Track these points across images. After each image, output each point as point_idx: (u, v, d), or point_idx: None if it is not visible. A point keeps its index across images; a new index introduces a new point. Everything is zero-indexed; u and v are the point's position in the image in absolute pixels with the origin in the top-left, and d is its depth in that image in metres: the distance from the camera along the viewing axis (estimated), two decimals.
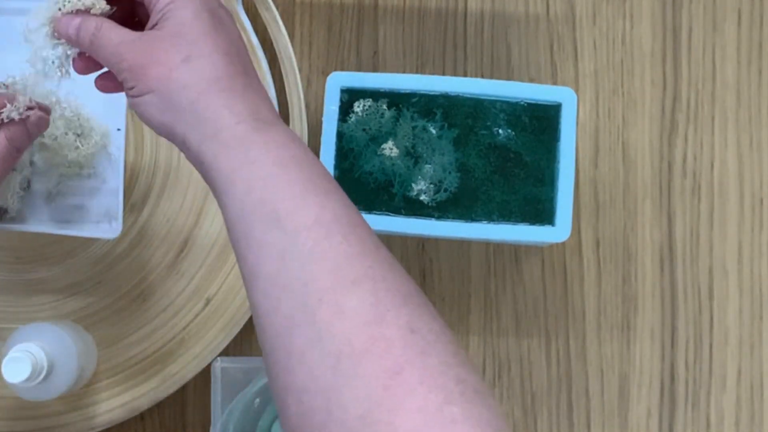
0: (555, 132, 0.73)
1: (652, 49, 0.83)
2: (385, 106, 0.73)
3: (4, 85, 0.77)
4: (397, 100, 0.73)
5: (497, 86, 0.73)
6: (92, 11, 0.61)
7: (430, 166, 0.72)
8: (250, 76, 0.59)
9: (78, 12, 0.61)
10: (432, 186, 0.72)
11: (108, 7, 0.62)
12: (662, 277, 0.81)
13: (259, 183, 0.54)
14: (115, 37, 0.60)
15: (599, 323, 0.81)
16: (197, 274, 0.79)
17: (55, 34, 0.63)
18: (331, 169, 0.72)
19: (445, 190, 0.72)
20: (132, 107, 0.60)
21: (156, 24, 0.59)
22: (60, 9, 0.61)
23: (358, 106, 0.73)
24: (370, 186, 0.73)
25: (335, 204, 0.54)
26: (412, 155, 0.73)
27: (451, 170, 0.72)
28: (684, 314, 0.81)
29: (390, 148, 0.72)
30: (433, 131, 0.73)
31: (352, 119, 0.73)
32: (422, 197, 0.72)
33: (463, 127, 0.73)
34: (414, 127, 0.73)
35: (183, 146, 0.58)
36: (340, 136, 0.73)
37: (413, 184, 0.72)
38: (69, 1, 0.61)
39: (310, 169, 0.55)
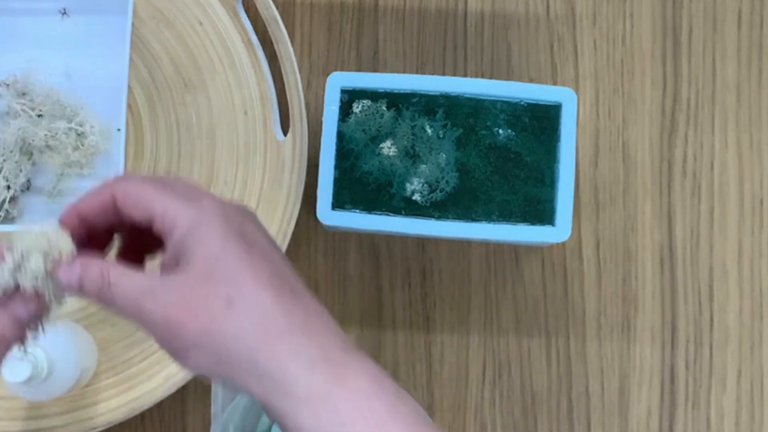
0: (555, 132, 0.73)
1: (652, 49, 0.83)
2: (384, 107, 0.73)
3: (5, 84, 0.78)
4: (396, 100, 0.73)
5: (497, 86, 0.73)
6: (52, 256, 0.49)
7: (425, 166, 0.72)
8: (302, 298, 0.51)
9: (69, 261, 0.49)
10: (426, 186, 0.72)
11: (70, 249, 0.50)
12: (662, 277, 0.81)
13: None
14: (131, 287, 0.49)
15: (599, 323, 0.81)
16: None
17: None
18: (331, 169, 0.72)
19: (441, 191, 0.72)
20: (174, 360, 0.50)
21: (177, 261, 0.50)
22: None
23: (357, 107, 0.73)
24: (370, 186, 0.73)
25: None
26: (411, 155, 0.73)
27: (448, 170, 0.72)
28: (684, 314, 0.81)
29: (388, 148, 0.72)
30: (432, 131, 0.73)
31: (352, 119, 0.73)
32: (416, 197, 0.72)
33: (463, 127, 0.73)
34: (413, 127, 0.73)
35: (249, 395, 0.50)
36: (340, 136, 0.73)
37: (407, 184, 0.72)
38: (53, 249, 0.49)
39: (407, 416, 0.48)
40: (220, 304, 0.48)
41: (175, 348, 0.49)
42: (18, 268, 0.49)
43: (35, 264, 0.49)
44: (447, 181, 0.72)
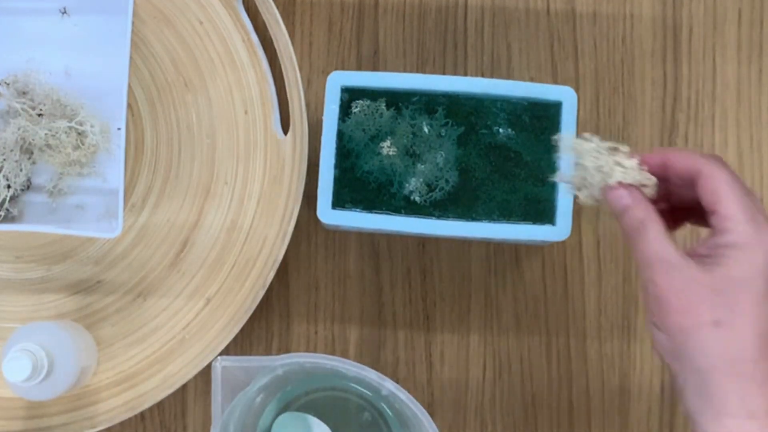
0: (555, 131, 0.73)
1: (652, 49, 0.83)
2: (383, 106, 0.73)
3: (5, 83, 0.78)
4: (396, 99, 0.73)
5: (497, 85, 0.73)
6: (644, 190, 0.57)
7: (423, 165, 0.72)
8: None
9: (630, 186, 0.57)
10: (425, 186, 0.72)
11: (654, 190, 0.58)
12: None
13: None
14: (654, 249, 0.55)
15: (599, 323, 0.81)
16: (197, 273, 0.79)
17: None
18: (331, 168, 0.72)
19: (440, 190, 0.72)
20: (646, 325, 0.57)
21: (708, 255, 0.55)
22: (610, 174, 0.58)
23: (356, 107, 0.73)
24: (370, 185, 0.73)
25: None
26: (410, 154, 0.73)
27: (447, 169, 0.72)
28: None
29: (388, 147, 0.72)
30: (432, 130, 0.73)
31: (351, 119, 0.73)
32: (414, 197, 0.72)
33: (463, 126, 0.73)
34: (413, 126, 0.73)
35: (680, 395, 0.56)
36: (340, 135, 0.73)
37: (406, 184, 0.72)
38: (625, 172, 0.58)
39: None
40: (710, 318, 0.53)
41: (655, 321, 0.55)
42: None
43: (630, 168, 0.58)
44: (446, 180, 0.72)
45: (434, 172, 0.72)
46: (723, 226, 0.55)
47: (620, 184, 0.57)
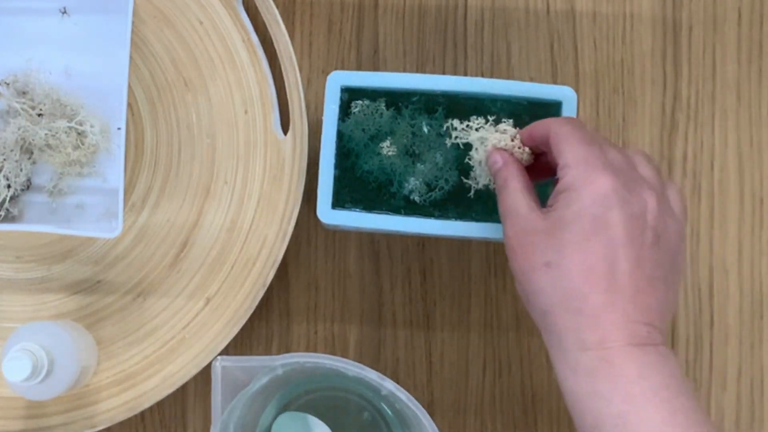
0: None
1: (652, 49, 0.83)
2: (383, 106, 0.73)
3: (5, 83, 0.78)
4: (396, 99, 0.73)
5: (497, 85, 0.72)
6: (514, 153, 0.66)
7: (423, 165, 0.72)
8: (615, 292, 0.56)
9: (503, 150, 0.66)
10: (424, 185, 0.72)
11: (528, 157, 0.66)
12: None
13: (610, 420, 0.54)
14: (509, 203, 0.61)
15: None
16: (197, 273, 0.79)
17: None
18: (331, 168, 0.72)
19: (440, 189, 0.72)
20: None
21: (550, 204, 0.59)
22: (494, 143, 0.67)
23: (355, 107, 0.73)
24: (370, 185, 0.73)
25: None
26: (410, 154, 0.73)
27: (447, 169, 0.72)
28: (684, 314, 0.81)
29: (388, 147, 0.72)
30: (431, 130, 0.73)
31: (351, 119, 0.73)
32: (413, 197, 0.72)
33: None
34: (412, 125, 0.72)
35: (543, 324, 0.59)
36: (340, 135, 0.73)
37: (405, 183, 0.72)
38: (500, 139, 0.67)
39: (667, 403, 0.54)
40: (542, 260, 0.58)
41: (510, 265, 0.60)
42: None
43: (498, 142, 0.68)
44: (446, 180, 0.72)
45: (434, 171, 0.72)
46: (560, 174, 0.59)
47: (495, 148, 0.66)
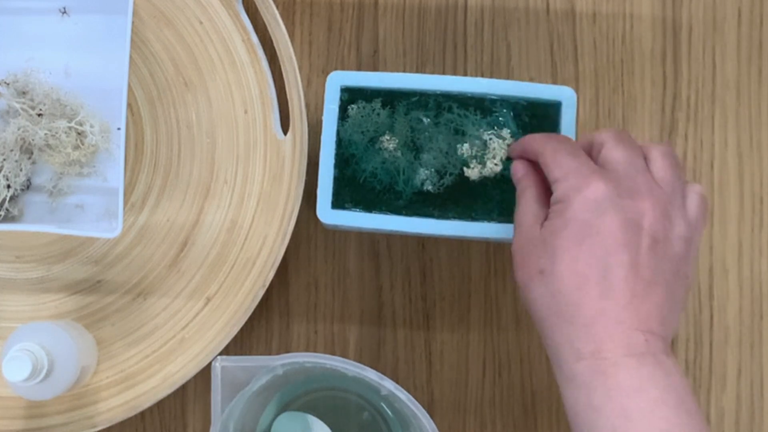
0: (555, 131, 0.73)
1: (652, 49, 0.83)
2: (379, 106, 0.73)
3: (5, 83, 0.78)
4: (395, 99, 0.73)
5: (497, 85, 0.73)
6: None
7: (429, 154, 0.72)
8: (609, 299, 0.56)
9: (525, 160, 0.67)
10: (435, 174, 0.72)
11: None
12: None
13: None
14: (519, 214, 0.62)
15: None
16: (197, 273, 0.79)
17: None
18: (331, 168, 0.72)
19: (450, 175, 0.72)
20: None
21: (547, 216, 0.60)
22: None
23: (352, 110, 0.73)
24: (373, 185, 0.73)
25: None
26: (413, 148, 0.73)
27: (451, 154, 0.72)
28: (684, 314, 0.81)
29: (388, 140, 0.72)
30: (429, 121, 0.73)
31: (349, 121, 0.73)
32: (427, 187, 0.72)
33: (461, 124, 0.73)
34: (410, 120, 0.73)
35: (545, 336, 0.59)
36: (339, 140, 0.73)
37: (416, 176, 0.72)
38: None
39: (664, 421, 0.53)
40: (537, 268, 0.58)
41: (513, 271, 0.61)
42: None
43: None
44: (454, 165, 0.72)
45: (440, 158, 0.72)
46: (553, 189, 0.60)
47: (518, 158, 0.67)
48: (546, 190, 0.63)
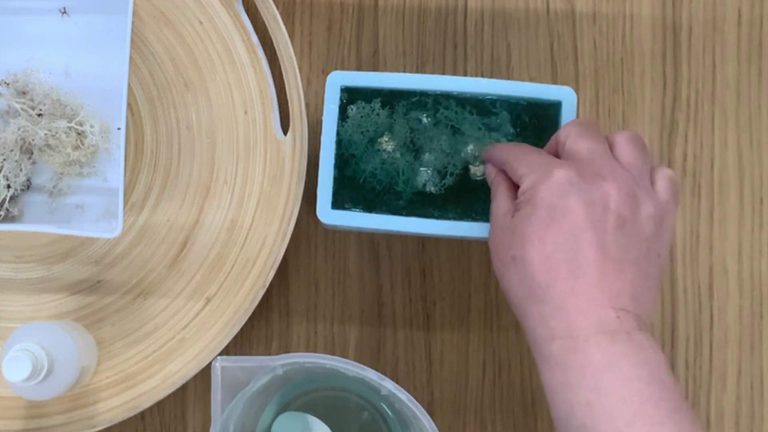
0: (555, 131, 0.73)
1: (652, 49, 0.83)
2: (378, 106, 0.73)
3: (5, 83, 0.78)
4: (395, 99, 0.73)
5: (497, 85, 0.73)
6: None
7: (430, 154, 0.72)
8: (578, 278, 0.57)
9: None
10: (436, 173, 0.72)
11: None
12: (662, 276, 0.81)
13: (579, 410, 0.54)
14: (492, 209, 0.64)
15: None
16: (197, 273, 0.79)
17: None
18: (330, 168, 0.72)
19: (451, 175, 0.72)
20: None
21: (518, 207, 0.61)
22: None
23: (352, 110, 0.73)
24: (373, 185, 0.73)
25: None
26: (413, 149, 0.73)
27: (452, 154, 0.72)
28: (684, 313, 0.81)
29: (386, 141, 0.72)
30: (429, 121, 0.73)
31: (349, 122, 0.73)
32: (429, 188, 0.72)
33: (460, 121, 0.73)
34: (409, 120, 0.73)
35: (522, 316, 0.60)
36: (339, 141, 0.73)
37: (417, 176, 0.72)
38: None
39: (636, 394, 0.54)
40: (509, 255, 0.59)
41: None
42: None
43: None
44: (455, 165, 0.72)
45: (441, 158, 0.72)
46: (519, 183, 0.62)
47: (490, 162, 0.68)
48: (518, 187, 0.64)
